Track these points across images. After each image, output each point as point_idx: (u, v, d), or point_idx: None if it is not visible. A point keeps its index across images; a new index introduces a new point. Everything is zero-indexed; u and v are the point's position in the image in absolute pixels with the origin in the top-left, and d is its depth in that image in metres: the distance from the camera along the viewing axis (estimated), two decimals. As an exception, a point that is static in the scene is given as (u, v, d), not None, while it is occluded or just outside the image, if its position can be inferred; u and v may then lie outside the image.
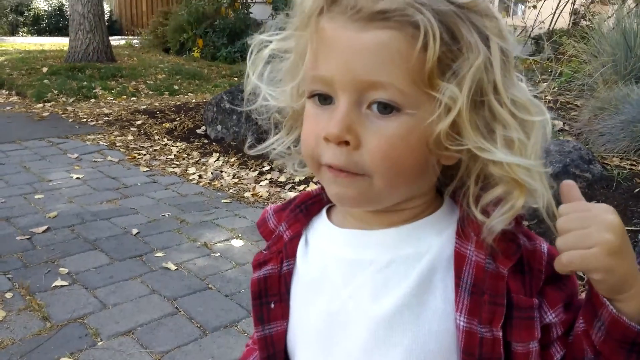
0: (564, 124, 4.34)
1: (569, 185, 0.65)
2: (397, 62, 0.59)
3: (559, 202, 0.64)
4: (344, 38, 0.60)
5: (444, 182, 0.72)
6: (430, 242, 0.69)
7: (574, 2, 7.70)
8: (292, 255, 0.78)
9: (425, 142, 0.62)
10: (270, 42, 0.72)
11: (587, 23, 6.44)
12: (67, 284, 2.83)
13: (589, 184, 3.28)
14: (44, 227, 3.51)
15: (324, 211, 0.79)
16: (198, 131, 5.98)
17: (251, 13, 12.50)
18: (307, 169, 0.77)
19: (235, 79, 9.75)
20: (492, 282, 0.65)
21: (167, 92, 8.46)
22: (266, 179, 4.64)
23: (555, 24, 7.25)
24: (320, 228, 0.78)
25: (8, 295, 2.69)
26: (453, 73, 0.59)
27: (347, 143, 0.62)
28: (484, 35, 0.60)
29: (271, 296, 0.78)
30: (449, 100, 0.59)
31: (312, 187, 4.36)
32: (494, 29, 0.61)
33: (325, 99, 0.64)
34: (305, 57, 0.66)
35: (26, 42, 14.97)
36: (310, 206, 0.80)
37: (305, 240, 0.78)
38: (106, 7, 13.35)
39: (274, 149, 0.78)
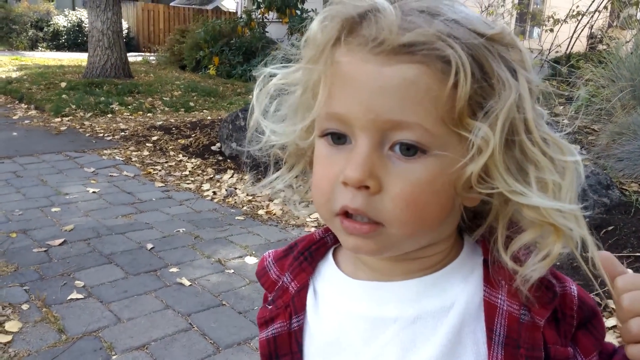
0: (581, 148, 4.32)
1: (608, 258, 0.61)
2: (425, 100, 0.53)
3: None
4: (365, 73, 0.54)
5: (466, 223, 0.67)
6: (456, 291, 0.63)
7: (592, 26, 7.70)
8: (302, 310, 0.70)
9: (453, 186, 0.57)
10: (276, 74, 0.66)
11: (605, 47, 6.44)
12: (83, 297, 2.84)
13: (607, 209, 3.26)
14: (60, 240, 3.53)
15: (330, 256, 0.73)
16: (213, 148, 6.01)
17: (267, 32, 12.63)
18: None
19: (250, 96, 9.74)
20: (528, 334, 0.60)
21: (182, 109, 8.54)
22: (280, 197, 4.62)
23: (572, 47, 7.26)
24: (330, 276, 0.71)
25: (24, 306, 2.71)
26: (485, 111, 0.54)
27: (367, 187, 0.56)
28: (512, 69, 0.56)
29: (282, 356, 0.71)
30: (482, 141, 0.54)
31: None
32: (520, 62, 0.57)
33: (339, 138, 0.58)
34: (315, 92, 0.60)
35: (45, 57, 15.23)
36: (315, 252, 0.73)
37: (314, 290, 0.71)
38: (124, 24, 13.57)
39: (274, 186, 0.73)
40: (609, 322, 2.46)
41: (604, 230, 3.15)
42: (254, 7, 12.29)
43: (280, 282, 0.73)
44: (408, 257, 0.63)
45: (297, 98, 0.64)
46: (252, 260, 3.40)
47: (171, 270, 3.22)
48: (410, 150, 0.55)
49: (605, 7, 7.85)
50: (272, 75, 0.66)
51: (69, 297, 2.82)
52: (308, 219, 4.18)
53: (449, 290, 0.64)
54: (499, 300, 0.61)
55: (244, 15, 12.65)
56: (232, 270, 3.25)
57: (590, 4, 7.60)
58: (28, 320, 2.59)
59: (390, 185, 0.56)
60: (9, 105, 8.52)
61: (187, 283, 3.06)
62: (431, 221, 0.58)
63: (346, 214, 0.58)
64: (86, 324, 2.59)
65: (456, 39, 0.53)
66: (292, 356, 0.70)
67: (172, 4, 24.08)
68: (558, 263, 0.62)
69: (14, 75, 10.85)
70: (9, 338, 2.43)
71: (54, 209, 4.13)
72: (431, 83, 0.53)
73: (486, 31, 0.55)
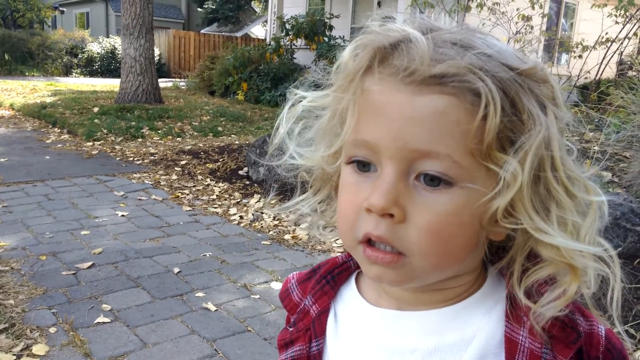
0: (612, 175, 4.23)
1: None
2: (455, 132, 0.53)
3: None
4: (395, 102, 0.55)
5: (487, 256, 0.66)
6: (477, 324, 0.62)
7: (621, 52, 7.62)
8: (322, 334, 0.71)
9: (479, 219, 0.56)
10: (306, 97, 0.67)
11: (635, 74, 6.35)
12: (109, 320, 2.86)
13: (642, 238, 3.16)
14: (89, 263, 3.58)
15: (352, 281, 0.73)
16: (240, 172, 6.06)
17: (295, 58, 12.78)
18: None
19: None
20: None
21: (211, 134, 8.66)
22: (306, 221, 4.62)
23: (601, 74, 7.17)
24: (351, 302, 0.71)
25: (52, 329, 2.73)
26: (516, 147, 0.54)
27: (391, 215, 0.56)
28: (542, 104, 0.56)
29: None
30: (510, 176, 0.54)
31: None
32: (551, 97, 0.57)
33: (364, 166, 0.59)
34: (343, 119, 0.61)
35: (79, 83, 15.66)
36: (337, 276, 0.73)
37: (335, 315, 0.71)
38: (156, 51, 13.92)
39: (298, 209, 0.73)
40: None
41: (638, 259, 3.06)
42: (283, 34, 12.49)
43: (302, 305, 0.74)
44: (432, 288, 0.63)
45: (325, 123, 0.65)
46: (277, 286, 3.39)
47: (197, 294, 3.22)
48: (435, 181, 0.55)
49: (635, 34, 7.77)
50: (302, 98, 0.67)
51: (96, 321, 2.84)
52: (334, 245, 4.16)
53: (469, 323, 0.62)
54: (521, 337, 0.60)
55: (272, 42, 12.85)
56: (258, 296, 3.25)
57: (620, 31, 7.53)
58: (55, 344, 2.61)
59: (415, 216, 0.55)
60: (42, 130, 8.76)
61: (213, 308, 3.06)
62: (456, 254, 0.58)
63: (369, 242, 0.58)
64: (112, 348, 2.60)
65: (487, 72, 0.53)
66: None
67: (202, 31, 24.65)
68: (584, 301, 0.61)
69: (49, 100, 11.17)
70: (36, 360, 2.45)
71: (83, 232, 4.20)
72: (461, 115, 0.53)
73: (519, 66, 0.55)
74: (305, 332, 0.71)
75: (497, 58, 0.55)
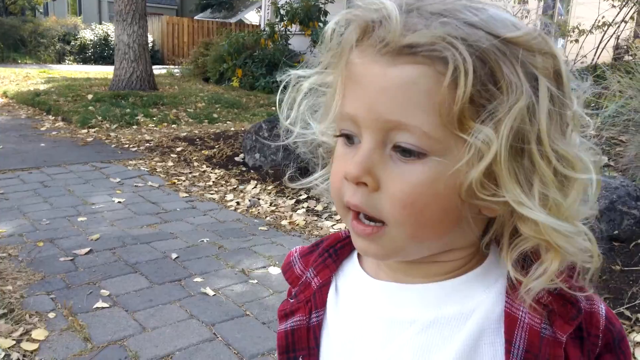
0: (609, 159, 4.24)
1: None
2: (425, 103, 0.53)
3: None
4: (371, 74, 0.55)
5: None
6: (477, 299, 0.62)
7: (618, 37, 7.60)
8: (322, 305, 0.71)
9: (456, 191, 0.55)
10: (305, 76, 0.68)
11: (631, 58, 6.35)
12: (108, 305, 2.86)
13: (637, 221, 3.18)
14: (87, 249, 3.57)
15: (354, 255, 0.73)
16: (236, 159, 6.05)
17: (290, 44, 12.71)
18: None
19: (273, 108, 9.87)
20: (549, 349, 0.59)
21: (206, 120, 8.63)
22: (303, 207, 4.65)
23: (598, 58, 7.17)
24: (352, 275, 0.71)
25: (51, 315, 2.74)
26: (489, 115, 0.52)
27: (365, 184, 0.57)
28: (532, 76, 0.54)
29: (299, 350, 0.72)
30: (483, 145, 0.52)
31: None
32: (546, 70, 0.54)
33: (349, 138, 0.60)
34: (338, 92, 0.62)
35: (72, 70, 15.54)
36: (340, 250, 0.73)
37: (336, 288, 0.72)
38: (149, 37, 13.83)
39: (317, 185, 0.73)
40: (639, 337, 2.39)
41: (634, 242, 3.08)
42: (277, 20, 12.41)
43: (304, 277, 0.75)
44: (426, 261, 0.63)
45: (328, 98, 0.66)
46: (275, 271, 3.40)
47: (195, 280, 3.23)
48: (407, 152, 0.55)
49: (632, 17, 7.75)
50: (301, 77, 0.68)
51: (94, 306, 2.84)
52: (331, 230, 4.17)
53: (469, 297, 0.62)
54: (521, 312, 0.60)
55: (267, 28, 12.77)
56: (256, 280, 3.25)
57: (617, 15, 7.51)
58: (54, 329, 2.62)
59: (388, 185, 0.56)
60: (37, 117, 8.71)
61: (211, 293, 3.06)
62: (432, 226, 0.57)
63: (357, 215, 0.59)
64: (112, 332, 2.61)
65: (463, 41, 0.52)
66: (309, 351, 0.71)
67: (196, 17, 24.46)
68: (586, 277, 0.61)
69: (42, 87, 11.09)
70: (35, 346, 2.45)
71: (80, 219, 4.19)
72: (431, 85, 0.53)
73: (506, 34, 0.54)
74: (305, 303, 0.72)
75: (481, 26, 0.54)
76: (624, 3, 7.47)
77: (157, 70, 13.01)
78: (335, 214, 4.43)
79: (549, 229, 0.54)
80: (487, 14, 0.56)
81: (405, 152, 0.55)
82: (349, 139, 0.60)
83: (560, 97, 0.55)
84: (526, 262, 0.59)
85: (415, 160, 0.55)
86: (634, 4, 7.53)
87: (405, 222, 0.57)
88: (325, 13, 11.99)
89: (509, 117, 0.52)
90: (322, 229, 4.20)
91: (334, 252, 0.73)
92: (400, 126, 0.54)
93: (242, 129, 7.42)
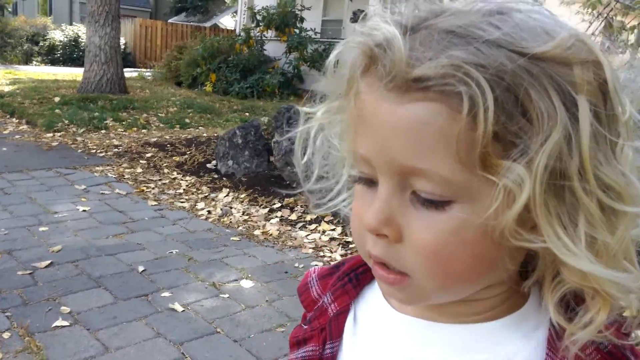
0: None
1: None
2: (441, 144, 0.46)
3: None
4: (381, 112, 0.48)
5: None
6: (512, 349, 0.55)
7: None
8: (338, 336, 0.65)
9: (488, 235, 0.48)
10: (314, 112, 0.60)
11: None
12: (68, 324, 2.69)
13: None
14: (47, 262, 3.38)
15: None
16: (208, 166, 5.90)
17: (265, 50, 12.63)
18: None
19: (247, 114, 9.75)
20: None
21: (178, 125, 8.44)
22: (276, 216, 4.53)
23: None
24: (374, 305, 0.65)
25: (5, 335, 2.55)
26: (519, 151, 0.45)
27: (385, 235, 0.51)
28: (570, 96, 0.45)
29: None
30: (514, 186, 0.45)
31: (324, 226, 4.24)
32: (588, 84, 0.45)
33: (365, 182, 0.54)
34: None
35: (40, 72, 15.14)
36: (362, 275, 0.67)
37: (354, 317, 0.65)
38: (121, 40, 13.53)
39: (342, 208, 0.65)
40: None
41: None
42: (253, 25, 12.32)
43: (320, 302, 0.69)
44: (457, 301, 0.56)
45: (343, 127, 0.59)
46: (248, 284, 3.28)
47: (163, 294, 3.07)
48: (427, 200, 0.49)
49: (602, 32, 7.84)
50: (309, 114, 0.61)
51: (53, 325, 2.66)
52: (305, 240, 4.06)
53: (503, 345, 0.55)
54: None
55: (242, 33, 12.67)
56: (228, 295, 3.12)
57: (587, 28, 7.59)
58: (9, 350, 2.43)
59: (411, 235, 0.50)
60: (0, 120, 8.39)
61: (180, 309, 2.91)
62: (463, 274, 0.51)
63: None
64: (71, 354, 2.43)
65: (482, 68, 0.44)
66: None
67: (170, 20, 24.19)
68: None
69: (7, 89, 10.72)
70: (-13, 369, 2.27)
71: (41, 228, 3.98)
72: (446, 124, 0.45)
73: (535, 48, 0.44)
74: (320, 331, 0.66)
75: (504, 43, 0.45)
76: (595, 17, 7.56)
77: (129, 73, 12.72)
78: (310, 224, 4.33)
79: (598, 277, 0.47)
80: (513, 22, 0.46)
81: (426, 200, 0.49)
82: (366, 183, 0.54)
83: (608, 113, 0.46)
84: (571, 303, 0.52)
85: (438, 208, 0.48)
86: (604, 19, 7.63)
87: (432, 274, 0.51)
88: (302, 19, 11.95)
89: (542, 153, 0.44)
90: (296, 239, 4.09)
91: (355, 276, 0.67)
92: (415, 171, 0.48)
93: (215, 134, 7.25)
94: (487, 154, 0.45)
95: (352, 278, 0.67)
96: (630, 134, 0.49)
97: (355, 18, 12.41)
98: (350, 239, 4.02)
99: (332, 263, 0.72)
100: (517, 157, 0.45)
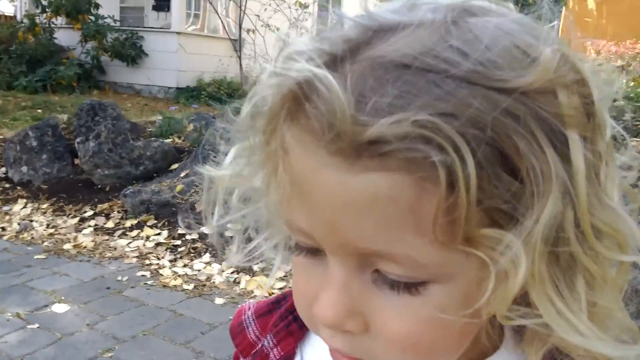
0: None
1: None
2: (409, 222, 0.37)
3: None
4: (323, 183, 0.38)
5: None
6: None
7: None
8: None
9: (475, 313, 0.40)
10: (221, 176, 0.49)
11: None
12: None
13: None
14: None
15: None
16: (-3, 173, 5.13)
17: (56, 39, 11.53)
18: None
19: (39, 110, 8.72)
20: None
21: (-51, 127, 7.20)
22: (90, 226, 4.15)
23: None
24: (323, 348, 0.53)
25: None
26: (509, 216, 0.37)
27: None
28: (559, 136, 0.37)
29: None
30: (507, 263, 0.37)
31: (147, 231, 3.90)
32: (575, 111, 0.37)
33: (309, 252, 0.44)
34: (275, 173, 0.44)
35: None
36: None
37: None
38: None
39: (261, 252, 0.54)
40: None
41: None
42: (39, 11, 11.14)
43: (260, 346, 0.61)
44: None
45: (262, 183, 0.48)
46: (61, 308, 2.92)
47: (-49, 336, 2.54)
48: (395, 282, 0.40)
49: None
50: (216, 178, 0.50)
51: None
52: (127, 249, 3.71)
53: None
54: None
55: (25, 20, 11.39)
56: (37, 325, 2.75)
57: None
58: None
59: (379, 324, 0.41)
60: None
61: (-24, 351, 2.43)
62: (446, 351, 0.44)
63: None
64: None
65: (454, 119, 0.34)
66: None
67: None
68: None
69: None
70: None
71: None
72: (415, 198, 0.36)
73: (515, 81, 0.35)
74: None
75: (477, 78, 0.35)
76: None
77: None
78: (131, 230, 3.98)
79: (604, 355, 0.41)
80: (482, 44, 0.36)
81: (395, 282, 0.39)
82: (309, 250, 0.44)
83: (594, 137, 0.39)
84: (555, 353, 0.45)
85: (411, 290, 0.39)
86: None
87: None
88: (97, 6, 11.10)
89: (539, 224, 0.36)
90: (115, 249, 3.73)
91: None
92: (380, 254, 0.38)
93: (2, 137, 6.33)
94: (469, 225, 0.36)
95: (298, 316, 0.53)
96: (610, 151, 0.41)
97: (157, 5, 11.82)
98: (179, 242, 3.76)
99: (269, 297, 0.62)
100: (508, 225, 0.36)
